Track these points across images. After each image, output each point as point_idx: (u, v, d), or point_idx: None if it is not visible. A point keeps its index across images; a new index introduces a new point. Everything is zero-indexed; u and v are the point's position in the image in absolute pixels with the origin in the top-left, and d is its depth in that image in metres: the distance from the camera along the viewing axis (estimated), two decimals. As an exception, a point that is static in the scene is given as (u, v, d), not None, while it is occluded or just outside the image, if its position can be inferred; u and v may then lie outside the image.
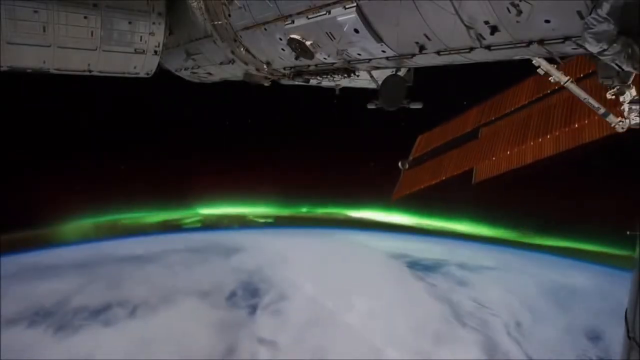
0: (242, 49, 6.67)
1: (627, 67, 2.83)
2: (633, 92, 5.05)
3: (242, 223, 43.78)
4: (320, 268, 34.39)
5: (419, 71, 6.24)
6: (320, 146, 35.93)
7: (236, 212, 44.27)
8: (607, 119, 5.59)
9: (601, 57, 2.82)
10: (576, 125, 6.40)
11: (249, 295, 31.66)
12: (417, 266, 36.38)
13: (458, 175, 8.12)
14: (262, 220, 44.18)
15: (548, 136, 6.77)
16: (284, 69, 6.63)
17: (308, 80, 6.81)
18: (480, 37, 3.60)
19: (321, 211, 44.83)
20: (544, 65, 5.55)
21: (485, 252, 37.97)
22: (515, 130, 7.35)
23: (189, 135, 35.62)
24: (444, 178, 8.39)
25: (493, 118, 7.83)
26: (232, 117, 34.53)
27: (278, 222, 44.06)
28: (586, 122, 6.24)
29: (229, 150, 37.23)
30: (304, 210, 44.71)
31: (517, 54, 3.79)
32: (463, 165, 8.14)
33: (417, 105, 6.49)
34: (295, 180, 39.69)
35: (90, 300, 29.35)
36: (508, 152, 7.34)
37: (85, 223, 37.92)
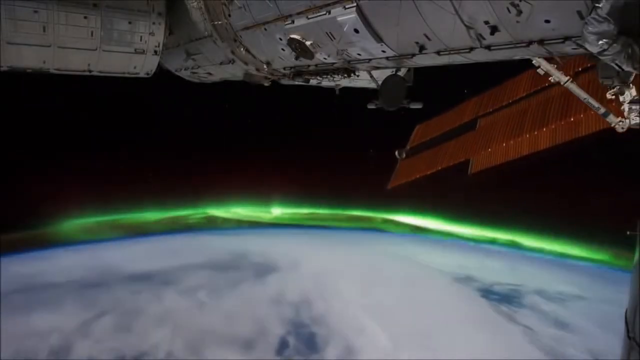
0: (242, 49, 6.67)
1: (627, 67, 2.83)
2: (633, 92, 5.05)
3: (258, 224, 42.04)
4: (380, 298, 27.34)
5: (419, 71, 6.24)
6: (338, 145, 34.97)
7: (251, 212, 42.80)
8: (607, 119, 5.60)
9: (601, 57, 2.81)
10: (572, 119, 6.46)
11: (304, 346, 23.71)
12: (493, 295, 30.34)
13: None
14: (277, 221, 42.50)
15: (544, 129, 6.83)
16: (284, 69, 6.62)
17: (308, 80, 6.81)
18: (480, 37, 3.60)
19: (347, 212, 43.29)
20: (544, 65, 5.56)
21: (555, 271, 32.99)
22: (512, 122, 7.41)
23: (190, 135, 35.60)
24: (439, 168, 8.43)
25: (491, 109, 7.87)
26: (234, 117, 34.35)
27: (301, 223, 42.11)
28: (582, 116, 6.29)
29: (230, 149, 37.10)
30: (335, 211, 43.12)
31: (517, 54, 3.78)
32: (459, 156, 8.17)
33: (417, 105, 6.50)
34: (319, 181, 38.59)
35: (97, 350, 21.99)
36: (504, 144, 7.38)
37: (85, 222, 37.69)
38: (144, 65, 7.97)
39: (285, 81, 7.36)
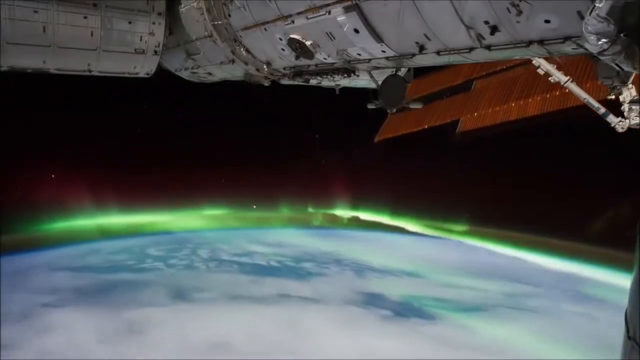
0: (242, 49, 6.67)
1: (627, 67, 2.82)
2: (633, 92, 5.05)
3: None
4: None
5: (418, 71, 6.24)
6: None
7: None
8: (607, 119, 5.60)
9: (601, 57, 2.81)
10: (557, 93, 6.52)
11: None
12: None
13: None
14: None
15: (530, 100, 6.91)
16: (284, 69, 6.62)
17: (308, 80, 6.82)
18: (480, 37, 3.60)
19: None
20: (544, 65, 5.56)
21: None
22: (504, 88, 7.46)
23: (202, 136, 35.30)
24: (426, 127, 8.38)
25: (484, 73, 7.86)
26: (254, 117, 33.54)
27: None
28: (567, 91, 6.35)
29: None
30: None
31: (517, 54, 3.78)
32: (448, 116, 8.13)
33: (417, 105, 6.50)
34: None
35: None
36: (490, 110, 7.43)
37: (87, 222, 37.58)
38: (144, 65, 7.97)
39: (285, 81, 7.36)
